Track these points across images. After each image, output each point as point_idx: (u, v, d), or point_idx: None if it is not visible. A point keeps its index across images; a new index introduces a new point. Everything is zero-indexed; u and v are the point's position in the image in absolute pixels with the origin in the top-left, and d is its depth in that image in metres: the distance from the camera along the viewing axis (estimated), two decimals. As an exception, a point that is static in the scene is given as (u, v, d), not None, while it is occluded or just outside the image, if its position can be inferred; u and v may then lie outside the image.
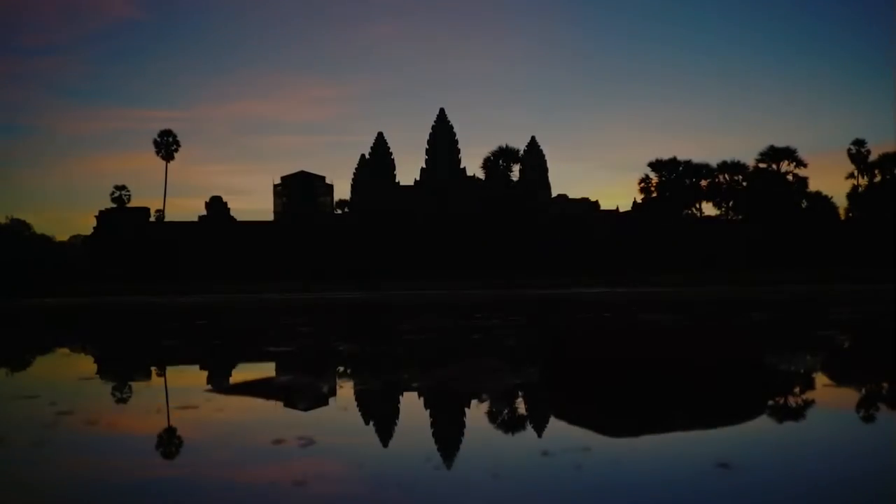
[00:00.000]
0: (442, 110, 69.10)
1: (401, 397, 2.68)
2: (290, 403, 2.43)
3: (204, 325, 8.60)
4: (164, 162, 55.75)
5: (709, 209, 57.80)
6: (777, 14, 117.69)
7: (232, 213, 61.68)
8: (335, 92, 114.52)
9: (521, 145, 58.65)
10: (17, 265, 50.77)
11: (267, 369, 3.79)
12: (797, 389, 2.73)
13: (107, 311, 14.51)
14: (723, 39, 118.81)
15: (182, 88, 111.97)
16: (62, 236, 75.47)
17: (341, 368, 3.78)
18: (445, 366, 3.40)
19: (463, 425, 2.11)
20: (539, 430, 2.07)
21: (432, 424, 2.18)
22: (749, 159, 57.98)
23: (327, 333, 6.41)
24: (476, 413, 2.28)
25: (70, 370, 4.00)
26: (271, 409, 2.38)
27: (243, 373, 3.55)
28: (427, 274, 47.35)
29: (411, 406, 2.49)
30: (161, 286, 38.70)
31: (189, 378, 3.58)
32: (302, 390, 2.65)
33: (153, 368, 4.10)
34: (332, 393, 2.66)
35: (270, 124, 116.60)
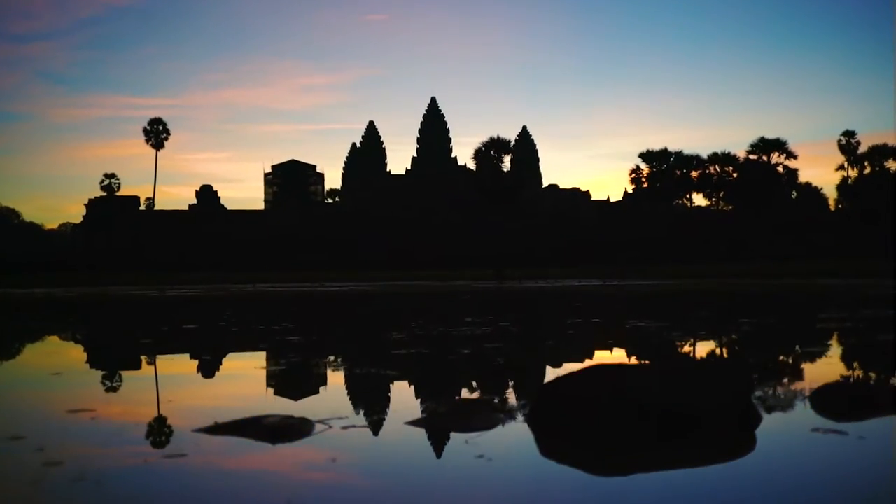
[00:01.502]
0: (433, 99, 68.75)
1: (378, 434, 2.59)
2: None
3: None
4: (153, 150, 55.28)
5: (699, 200, 58.02)
6: (769, 4, 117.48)
7: (222, 202, 61.36)
8: (326, 80, 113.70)
9: (512, 135, 58.59)
10: (5, 253, 50.22)
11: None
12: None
13: (91, 304, 14.35)
14: (714, 30, 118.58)
15: (172, 76, 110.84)
16: (51, 224, 74.79)
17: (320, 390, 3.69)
18: (428, 400, 3.33)
19: (445, 475, 2.04)
20: (530, 473, 2.02)
21: (413, 471, 2.10)
22: (740, 150, 58.29)
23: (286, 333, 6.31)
24: (462, 461, 2.21)
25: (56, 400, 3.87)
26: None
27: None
28: (416, 264, 47.26)
29: (398, 445, 2.42)
30: (151, 275, 38.43)
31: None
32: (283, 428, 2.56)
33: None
34: (307, 431, 2.56)
35: (261, 112, 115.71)
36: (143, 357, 5.44)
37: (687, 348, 5.66)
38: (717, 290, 18.05)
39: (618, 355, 5.05)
